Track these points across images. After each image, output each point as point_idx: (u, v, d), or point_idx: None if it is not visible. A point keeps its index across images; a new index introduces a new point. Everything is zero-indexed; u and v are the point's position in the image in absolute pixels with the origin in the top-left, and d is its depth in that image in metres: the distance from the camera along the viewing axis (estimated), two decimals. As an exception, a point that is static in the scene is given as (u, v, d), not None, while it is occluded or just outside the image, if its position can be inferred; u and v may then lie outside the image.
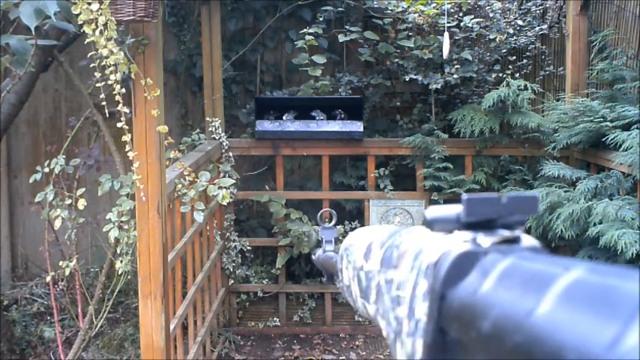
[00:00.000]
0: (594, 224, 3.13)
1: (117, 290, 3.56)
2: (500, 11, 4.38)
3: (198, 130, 4.28)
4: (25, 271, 5.00)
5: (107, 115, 2.78)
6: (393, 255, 0.44)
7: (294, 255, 4.33)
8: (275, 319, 4.48)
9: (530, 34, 4.44)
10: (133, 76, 2.46)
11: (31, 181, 3.29)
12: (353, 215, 4.55)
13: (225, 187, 3.17)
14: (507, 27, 4.40)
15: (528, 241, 0.36)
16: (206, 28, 4.31)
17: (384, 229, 0.50)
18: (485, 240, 0.35)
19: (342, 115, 4.37)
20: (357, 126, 4.30)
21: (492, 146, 4.20)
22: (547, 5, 4.57)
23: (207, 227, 3.89)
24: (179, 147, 3.65)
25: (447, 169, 4.16)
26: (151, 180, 2.58)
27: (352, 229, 4.44)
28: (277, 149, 4.39)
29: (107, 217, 2.92)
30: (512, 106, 3.96)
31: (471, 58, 4.26)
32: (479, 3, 4.40)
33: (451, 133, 4.27)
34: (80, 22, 2.22)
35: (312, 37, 4.30)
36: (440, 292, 0.35)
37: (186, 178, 3.08)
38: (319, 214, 1.12)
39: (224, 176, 3.95)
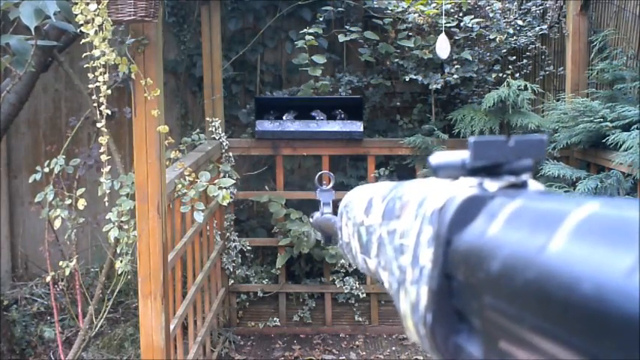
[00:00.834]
0: (594, 224, 3.12)
1: (117, 290, 3.56)
2: (500, 11, 4.38)
3: (198, 130, 4.28)
4: (25, 271, 5.00)
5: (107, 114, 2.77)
6: (395, 206, 0.43)
7: (294, 255, 4.33)
8: (275, 319, 4.48)
9: (530, 34, 4.44)
10: (133, 76, 2.46)
11: (30, 181, 3.29)
12: (353, 215, 4.55)
13: (225, 188, 3.17)
14: (507, 27, 4.40)
15: (536, 186, 0.35)
16: (206, 28, 4.31)
17: (386, 184, 0.50)
18: (492, 185, 0.34)
19: (342, 115, 4.37)
20: (357, 126, 4.30)
21: (492, 146, 4.19)
22: (547, 5, 4.58)
23: (207, 227, 3.89)
24: (179, 147, 3.65)
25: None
26: (151, 180, 2.58)
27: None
28: (277, 149, 4.39)
29: (107, 217, 2.92)
30: (512, 106, 3.96)
31: (470, 58, 4.26)
32: (479, 3, 4.40)
33: (451, 133, 4.27)
34: (79, 23, 2.22)
35: (312, 37, 4.30)
36: (446, 237, 0.34)
37: (186, 178, 3.08)
38: (317, 175, 1.11)
39: (224, 176, 3.95)
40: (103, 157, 2.58)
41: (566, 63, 4.22)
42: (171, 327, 2.82)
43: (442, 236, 0.34)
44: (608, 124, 3.45)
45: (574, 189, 3.53)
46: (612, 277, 0.22)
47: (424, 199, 0.38)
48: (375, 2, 4.56)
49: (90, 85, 2.43)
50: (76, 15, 2.19)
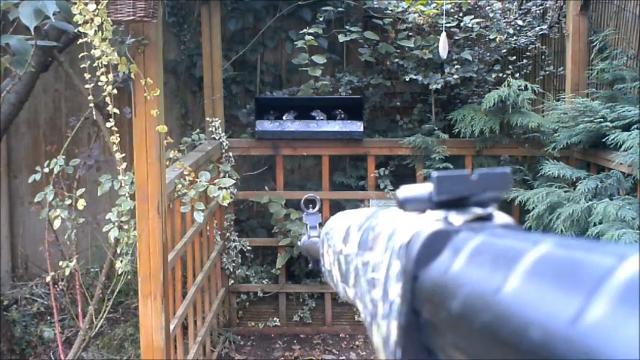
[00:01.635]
0: (594, 224, 3.12)
1: (117, 290, 3.56)
2: (500, 11, 4.38)
3: (198, 130, 4.28)
4: (25, 271, 5.00)
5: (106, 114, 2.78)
6: (369, 237, 0.44)
7: (294, 255, 4.33)
8: (275, 319, 4.48)
9: (530, 34, 4.44)
10: (133, 76, 2.46)
11: (30, 181, 3.29)
12: (353, 215, 4.55)
13: (225, 188, 3.17)
14: (507, 27, 4.40)
15: (502, 218, 0.35)
16: (206, 28, 4.31)
17: (363, 212, 0.50)
18: (457, 218, 0.35)
19: (342, 115, 4.37)
20: (357, 126, 4.30)
21: (492, 146, 4.20)
22: (547, 5, 4.58)
23: (207, 227, 3.89)
24: (179, 147, 3.65)
25: (447, 169, 4.16)
26: (151, 180, 2.58)
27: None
28: (277, 149, 4.39)
29: (107, 217, 2.92)
30: (512, 106, 3.96)
31: (470, 58, 4.26)
32: (479, 3, 4.40)
33: (451, 133, 4.27)
34: (78, 23, 2.22)
35: (312, 37, 4.30)
36: (412, 272, 0.34)
37: (186, 178, 3.08)
38: (303, 199, 1.11)
39: (224, 176, 3.95)
40: (117, 156, 2.58)
41: (566, 63, 4.22)
42: (171, 327, 2.82)
43: (409, 272, 0.35)
44: (608, 124, 3.45)
45: (574, 189, 3.53)
46: (558, 324, 0.22)
47: (393, 232, 0.39)
48: (375, 2, 4.56)
49: (86, 86, 2.43)
50: (74, 15, 2.19)
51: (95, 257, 4.74)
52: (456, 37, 4.30)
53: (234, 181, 3.70)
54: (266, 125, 4.34)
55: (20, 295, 4.66)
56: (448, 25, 4.11)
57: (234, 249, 4.37)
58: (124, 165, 2.64)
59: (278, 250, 4.42)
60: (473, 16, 4.29)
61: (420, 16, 4.32)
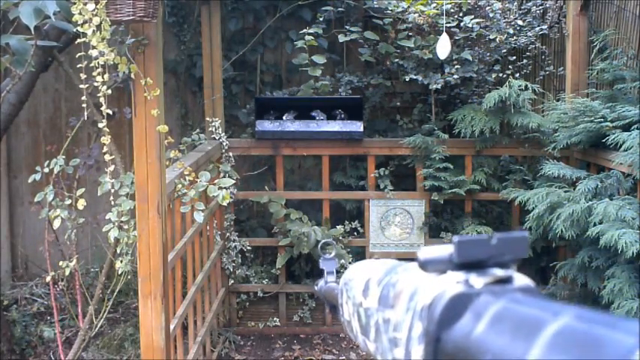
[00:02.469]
0: (594, 224, 3.12)
1: (117, 290, 3.56)
2: (500, 11, 4.38)
3: (198, 130, 4.28)
4: (25, 271, 5.00)
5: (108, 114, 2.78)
6: (389, 294, 0.44)
7: (294, 255, 4.33)
8: (275, 319, 4.48)
9: (530, 34, 4.44)
10: (133, 76, 2.46)
11: (30, 181, 3.28)
12: (353, 215, 4.55)
13: (225, 188, 3.17)
14: (507, 27, 4.40)
15: (521, 280, 0.36)
16: (206, 28, 4.31)
17: (382, 265, 0.51)
18: (477, 280, 0.36)
19: (342, 115, 4.37)
20: (357, 126, 4.30)
21: (492, 146, 4.20)
22: (547, 5, 4.58)
23: (207, 227, 3.89)
24: (179, 147, 3.65)
25: (447, 169, 4.16)
26: (150, 180, 2.58)
27: (352, 230, 4.45)
28: (277, 149, 4.39)
29: (107, 217, 2.92)
30: (512, 106, 3.96)
31: (471, 58, 4.26)
32: (479, 3, 4.40)
33: (451, 133, 4.27)
34: (78, 22, 2.22)
35: (312, 37, 4.30)
36: (434, 334, 0.35)
37: (186, 178, 3.08)
38: (319, 245, 1.11)
39: (224, 176, 3.95)
40: (107, 157, 2.59)
41: (566, 63, 4.22)
42: (171, 327, 2.82)
43: (431, 334, 0.36)
44: (608, 124, 3.44)
45: (574, 189, 3.53)
46: None
47: (415, 292, 0.40)
48: (375, 2, 4.56)
49: (82, 86, 2.43)
50: (74, 15, 2.19)
51: (95, 257, 4.74)
52: (456, 37, 4.30)
53: (234, 181, 3.70)
54: (266, 125, 4.34)
55: (20, 295, 4.66)
56: (448, 25, 4.11)
57: (234, 249, 4.37)
58: (112, 167, 2.64)
59: (278, 250, 4.42)
60: (473, 16, 4.29)
61: (420, 16, 4.32)
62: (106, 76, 2.35)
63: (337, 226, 4.37)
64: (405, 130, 4.58)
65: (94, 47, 2.25)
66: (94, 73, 2.33)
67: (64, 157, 3.27)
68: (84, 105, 2.46)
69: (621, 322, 0.26)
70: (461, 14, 4.35)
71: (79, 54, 2.35)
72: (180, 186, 3.04)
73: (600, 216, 3.10)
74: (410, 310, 0.39)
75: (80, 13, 2.20)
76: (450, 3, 4.27)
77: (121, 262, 2.92)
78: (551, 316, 0.28)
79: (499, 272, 0.36)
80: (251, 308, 4.56)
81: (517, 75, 4.39)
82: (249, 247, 4.44)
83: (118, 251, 2.98)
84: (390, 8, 4.42)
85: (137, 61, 2.48)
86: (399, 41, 4.38)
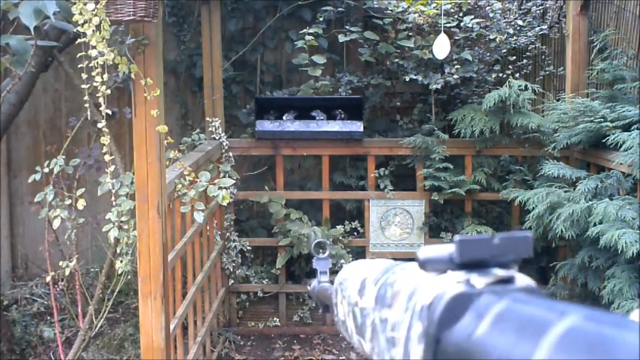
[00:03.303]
0: (594, 224, 3.12)
1: (117, 290, 3.56)
2: (500, 11, 4.38)
3: (198, 130, 4.28)
4: (25, 271, 5.00)
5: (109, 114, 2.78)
6: (387, 294, 0.44)
7: (294, 255, 4.33)
8: (275, 319, 4.48)
9: (530, 34, 4.44)
10: (133, 76, 2.46)
11: (30, 181, 3.28)
12: (353, 215, 4.55)
13: (225, 188, 3.17)
14: (507, 27, 4.40)
15: (523, 280, 0.36)
16: (206, 28, 4.31)
17: (378, 265, 0.50)
18: (478, 280, 0.35)
19: (342, 115, 4.37)
20: (357, 126, 4.30)
21: (492, 146, 4.20)
22: (547, 5, 4.58)
23: (207, 227, 3.89)
24: (179, 147, 3.65)
25: (447, 169, 4.16)
26: (150, 180, 2.58)
27: (352, 230, 4.45)
28: (277, 149, 4.39)
29: (107, 217, 2.92)
30: (512, 106, 3.96)
31: (470, 58, 4.26)
32: (479, 3, 4.41)
33: (451, 133, 4.27)
34: (78, 22, 2.22)
35: (312, 37, 4.30)
36: (434, 335, 0.35)
37: (186, 178, 3.08)
38: (312, 245, 1.10)
39: (224, 176, 3.95)
40: (107, 157, 2.59)
41: (566, 63, 4.22)
42: (171, 327, 2.82)
43: (431, 334, 0.35)
44: (608, 124, 3.44)
45: (574, 189, 3.53)
46: None
47: (414, 292, 0.39)
48: (375, 2, 4.56)
49: (83, 86, 2.43)
50: (74, 15, 2.19)
51: (95, 257, 4.74)
52: (456, 37, 4.30)
53: (234, 181, 3.70)
54: (266, 125, 4.34)
55: (20, 295, 4.66)
56: (448, 25, 4.11)
57: (234, 249, 4.37)
58: (112, 167, 2.64)
59: (278, 250, 4.42)
60: (473, 16, 4.29)
61: (420, 16, 4.32)
62: (106, 76, 2.35)
63: (337, 226, 4.36)
64: (405, 130, 4.58)
65: (93, 47, 2.25)
66: (93, 73, 2.33)
67: (64, 157, 3.27)
68: (86, 105, 2.45)
69: (630, 322, 0.25)
70: (461, 14, 4.35)
71: (79, 54, 2.35)
72: (180, 186, 3.04)
73: (600, 216, 3.10)
74: (409, 309, 0.39)
75: (80, 13, 2.20)
76: (450, 3, 4.27)
77: (121, 262, 2.92)
78: (558, 315, 0.28)
79: (500, 272, 0.35)
80: (251, 308, 4.56)
81: (517, 75, 4.39)
82: (249, 247, 4.44)
83: (118, 251, 2.98)
84: (390, 8, 4.42)
85: (137, 61, 2.48)
86: (399, 41, 4.38)
